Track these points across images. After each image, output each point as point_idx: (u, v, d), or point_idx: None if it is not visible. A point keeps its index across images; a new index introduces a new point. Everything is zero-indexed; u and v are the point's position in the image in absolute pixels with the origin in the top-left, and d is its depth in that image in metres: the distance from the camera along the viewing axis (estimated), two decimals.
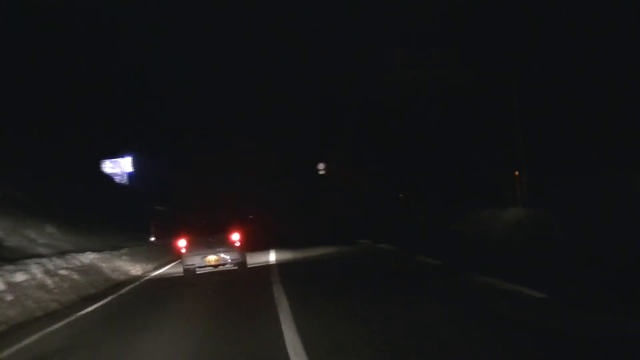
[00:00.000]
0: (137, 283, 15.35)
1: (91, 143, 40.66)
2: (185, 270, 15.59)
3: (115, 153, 46.20)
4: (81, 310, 10.84)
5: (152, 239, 27.07)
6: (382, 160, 35.90)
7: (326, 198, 56.32)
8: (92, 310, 10.85)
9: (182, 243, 15.55)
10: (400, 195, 35.49)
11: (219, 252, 15.39)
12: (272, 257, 19.26)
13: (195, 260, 15.40)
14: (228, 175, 43.86)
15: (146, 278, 16.71)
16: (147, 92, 46.40)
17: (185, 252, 15.50)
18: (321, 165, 58.83)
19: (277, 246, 22.89)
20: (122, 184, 45.01)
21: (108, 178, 43.39)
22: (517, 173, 20.59)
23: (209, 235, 15.59)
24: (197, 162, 48.96)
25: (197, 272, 15.71)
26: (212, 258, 15.33)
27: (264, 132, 54.25)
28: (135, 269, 18.32)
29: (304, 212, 55.04)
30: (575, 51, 20.28)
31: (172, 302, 11.11)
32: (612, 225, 11.68)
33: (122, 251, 19.81)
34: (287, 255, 19.48)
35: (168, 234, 32.86)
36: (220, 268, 15.80)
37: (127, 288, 14.18)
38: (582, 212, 14.02)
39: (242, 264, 15.82)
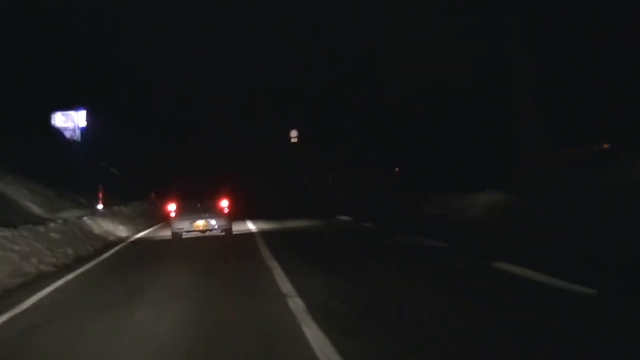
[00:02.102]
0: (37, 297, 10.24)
1: (38, 90, 35.35)
2: (173, 234, 16.38)
3: (69, 105, 40.38)
4: None
5: (100, 207, 21.78)
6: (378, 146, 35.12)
7: (300, 171, 52.99)
8: None
9: (171, 207, 16.20)
10: (397, 169, 31.16)
11: (207, 217, 16.15)
12: (251, 226, 20.12)
13: (183, 225, 16.16)
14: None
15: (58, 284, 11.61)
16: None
17: (175, 217, 16.20)
18: (293, 133, 53.92)
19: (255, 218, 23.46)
20: (74, 140, 39.23)
21: (57, 132, 37.57)
22: None
23: (198, 201, 16.20)
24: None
25: (184, 237, 16.50)
26: (200, 223, 16.12)
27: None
28: (53, 263, 13.18)
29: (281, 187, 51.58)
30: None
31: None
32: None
33: (52, 225, 14.59)
34: (265, 225, 20.45)
35: (121, 202, 27.76)
36: (207, 233, 16.61)
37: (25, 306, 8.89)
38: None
39: (228, 230, 16.54)
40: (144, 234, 20.37)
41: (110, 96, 42.13)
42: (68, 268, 11.56)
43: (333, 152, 44.01)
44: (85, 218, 17.34)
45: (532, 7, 21.76)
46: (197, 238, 16.84)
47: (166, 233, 19.38)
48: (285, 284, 8.27)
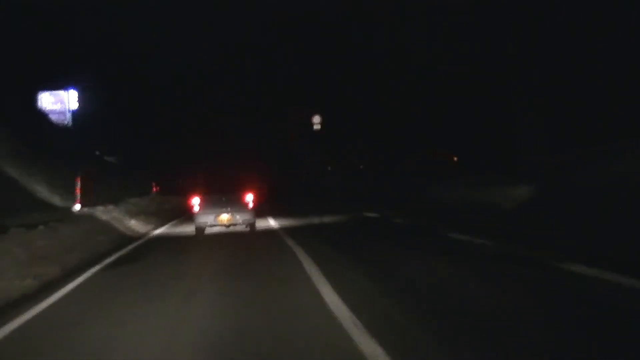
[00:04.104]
0: None
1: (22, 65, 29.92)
2: (197, 229, 15.83)
3: (58, 84, 34.55)
4: None
5: (77, 207, 15.89)
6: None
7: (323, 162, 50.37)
8: None
9: (195, 201, 15.77)
10: (455, 158, 27.03)
11: (232, 211, 15.65)
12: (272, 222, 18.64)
13: (207, 219, 15.65)
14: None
15: None
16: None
17: (199, 210, 15.68)
18: (317, 119, 49.80)
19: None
20: (62, 123, 33.29)
21: (42, 115, 31.69)
22: None
23: (223, 194, 15.76)
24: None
25: (207, 232, 16.01)
26: (224, 217, 15.61)
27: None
28: None
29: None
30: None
31: None
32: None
33: None
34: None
35: (115, 198, 21.94)
36: (231, 228, 16.13)
37: None
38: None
39: (252, 224, 16.06)
40: (129, 251, 14.38)
41: (109, 91, 37.15)
42: None
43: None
44: (41, 227, 11.31)
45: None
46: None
47: (181, 230, 17.86)
48: None
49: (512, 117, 23.03)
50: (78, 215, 14.63)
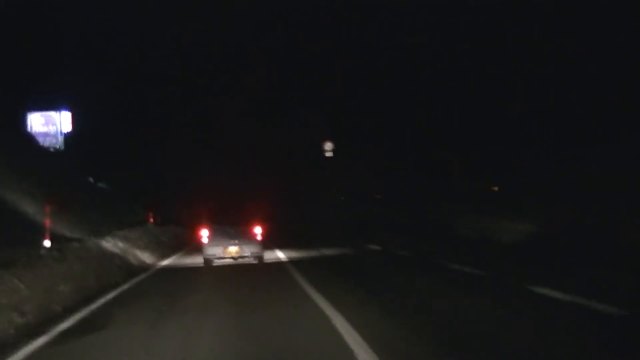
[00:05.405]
0: None
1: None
2: (206, 260, 15.80)
3: (50, 104, 31.91)
4: None
5: (46, 243, 12.97)
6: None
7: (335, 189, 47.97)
8: None
9: (204, 233, 15.73)
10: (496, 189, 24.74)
11: (240, 244, 15.62)
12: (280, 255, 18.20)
13: (216, 251, 15.64)
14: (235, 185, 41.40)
15: None
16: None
17: (207, 242, 15.66)
18: (328, 145, 48.13)
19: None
20: (53, 148, 30.50)
21: (29, 138, 28.93)
22: None
23: (231, 227, 15.69)
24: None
25: (215, 264, 15.82)
26: (233, 249, 15.60)
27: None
28: None
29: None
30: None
31: None
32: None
33: None
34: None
35: (104, 228, 19.15)
36: (240, 260, 15.95)
37: None
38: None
39: (261, 257, 16.00)
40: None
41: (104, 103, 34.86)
42: None
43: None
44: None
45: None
46: None
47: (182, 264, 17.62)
48: None
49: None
50: (43, 255, 11.65)
